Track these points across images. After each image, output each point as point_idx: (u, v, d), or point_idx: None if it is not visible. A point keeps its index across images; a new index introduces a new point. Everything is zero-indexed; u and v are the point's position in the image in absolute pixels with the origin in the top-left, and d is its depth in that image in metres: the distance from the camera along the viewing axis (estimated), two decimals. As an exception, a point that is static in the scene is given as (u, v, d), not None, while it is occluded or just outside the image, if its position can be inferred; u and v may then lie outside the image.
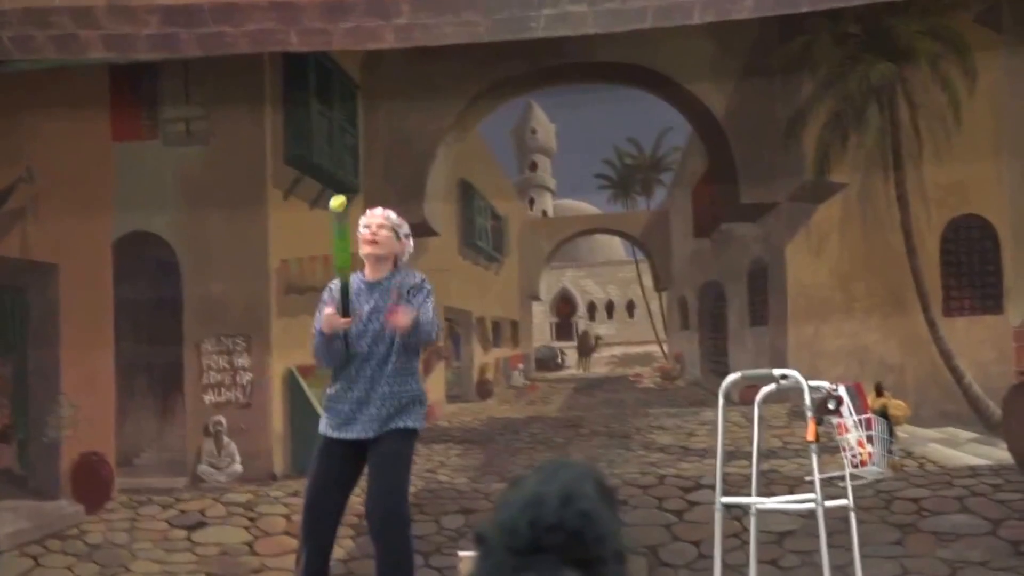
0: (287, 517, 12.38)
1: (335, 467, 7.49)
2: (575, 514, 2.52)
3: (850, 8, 12.45)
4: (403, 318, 7.14)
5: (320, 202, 12.96)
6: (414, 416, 7.48)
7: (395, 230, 7.56)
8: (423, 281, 7.51)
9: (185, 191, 13.28)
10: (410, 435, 7.50)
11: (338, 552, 12.08)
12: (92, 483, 12.94)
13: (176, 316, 13.26)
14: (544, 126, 14.62)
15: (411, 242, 7.70)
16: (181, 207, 13.26)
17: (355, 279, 7.58)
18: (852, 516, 7.90)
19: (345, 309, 7.34)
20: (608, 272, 14.63)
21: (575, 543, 2.51)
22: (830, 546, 7.97)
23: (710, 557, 8.63)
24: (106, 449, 13.02)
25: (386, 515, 7.36)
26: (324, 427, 7.53)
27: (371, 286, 7.48)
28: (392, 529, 7.41)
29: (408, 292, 7.42)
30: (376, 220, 7.50)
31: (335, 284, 7.54)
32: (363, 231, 7.51)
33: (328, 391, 7.57)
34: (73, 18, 10.54)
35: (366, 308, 7.44)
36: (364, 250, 7.48)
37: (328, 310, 7.34)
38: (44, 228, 12.93)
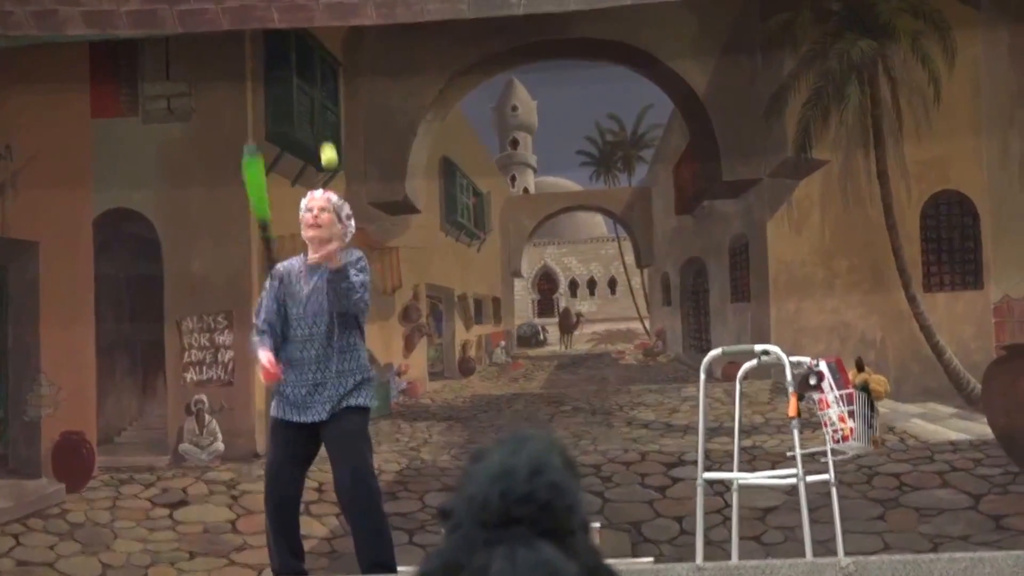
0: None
1: (291, 450, 7.55)
2: (545, 485, 2.52)
3: (831, -15, 12.51)
4: (330, 252, 7.20)
5: (301, 179, 12.95)
6: (365, 393, 7.55)
7: (336, 212, 7.58)
8: (361, 257, 7.56)
9: (166, 168, 13.25)
10: (364, 412, 7.59)
11: (321, 530, 12.16)
12: (73, 462, 12.92)
13: (157, 294, 13.23)
14: (525, 103, 14.61)
15: (352, 223, 7.71)
16: (162, 184, 13.23)
17: (296, 261, 7.63)
18: (834, 491, 7.95)
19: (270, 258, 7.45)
20: (590, 249, 14.64)
21: (545, 514, 2.51)
22: (813, 521, 8.01)
23: (693, 533, 8.66)
24: (87, 428, 12.99)
25: (357, 494, 7.42)
26: (277, 411, 7.58)
27: (312, 268, 7.51)
28: (365, 506, 7.47)
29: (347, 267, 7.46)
30: (318, 203, 7.51)
31: (283, 265, 7.62)
32: (305, 214, 7.52)
33: (280, 374, 7.60)
34: (53, -6, 10.51)
35: (306, 290, 7.49)
36: (307, 233, 7.50)
37: (264, 359, 7.42)
38: (23, 205, 12.90)
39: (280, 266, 7.68)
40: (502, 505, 2.50)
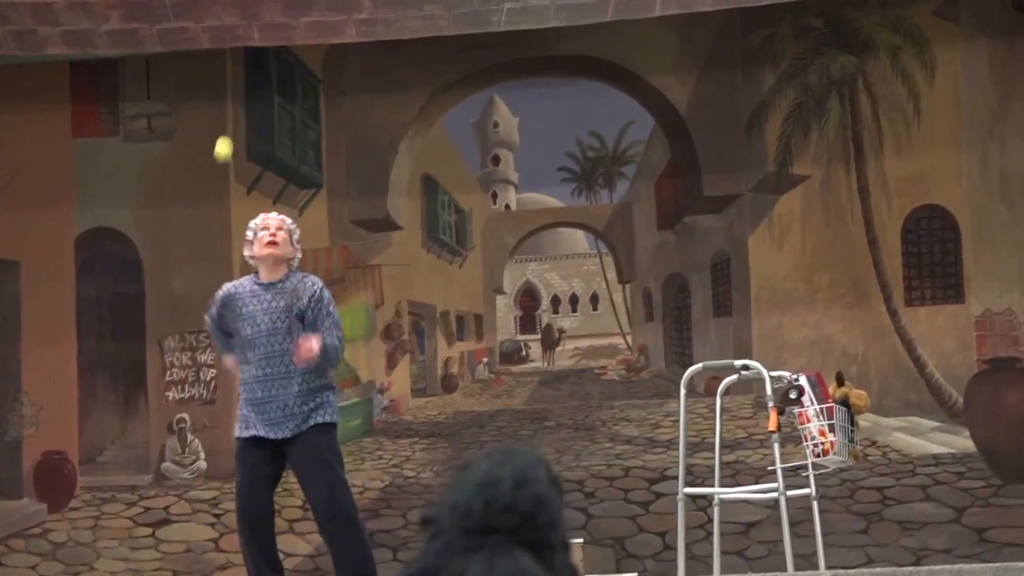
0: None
1: (259, 469, 7.55)
2: (528, 497, 2.55)
3: (811, 1, 12.54)
4: (310, 351, 7.24)
5: (283, 198, 12.96)
6: (330, 410, 7.58)
7: (290, 234, 7.66)
8: (321, 289, 7.62)
9: (147, 187, 13.23)
10: (331, 428, 7.59)
11: (305, 547, 12.14)
12: (55, 482, 12.89)
13: (139, 313, 13.20)
14: (506, 120, 14.59)
15: (300, 248, 7.78)
16: (143, 203, 13.21)
17: (247, 282, 7.65)
18: (815, 505, 7.96)
19: None
20: (572, 265, 14.63)
21: (527, 525, 2.54)
22: (796, 536, 8.02)
23: (676, 548, 8.66)
24: (69, 447, 12.96)
25: (334, 513, 7.44)
26: (242, 430, 7.59)
27: (266, 287, 7.55)
28: (343, 522, 7.47)
29: (309, 301, 7.49)
30: (274, 222, 7.60)
31: (255, 221, 7.71)
32: (261, 233, 7.56)
33: (242, 395, 7.62)
34: (32, 14, 10.50)
35: (260, 309, 7.49)
36: (263, 251, 7.56)
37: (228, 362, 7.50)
38: (5, 224, 12.87)
39: (225, 289, 7.70)
40: (485, 513, 2.54)
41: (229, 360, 7.82)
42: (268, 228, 7.57)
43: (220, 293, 7.71)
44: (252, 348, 7.53)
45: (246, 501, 7.56)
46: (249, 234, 7.67)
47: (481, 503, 2.55)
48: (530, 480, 2.60)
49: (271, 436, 7.45)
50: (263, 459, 7.53)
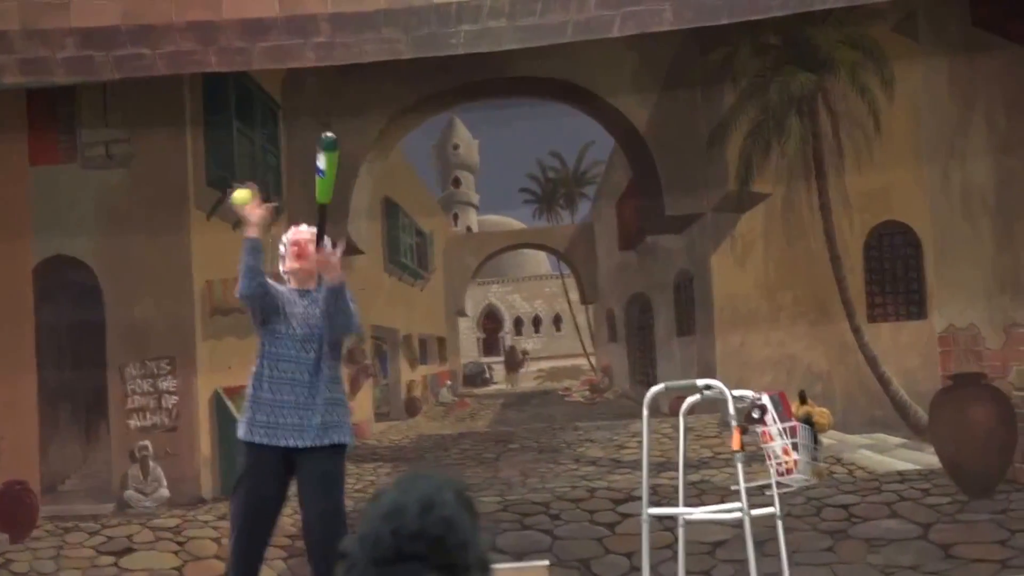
0: (216, 541, 12.28)
1: (270, 483, 7.42)
2: (436, 521, 2.58)
3: (770, 19, 12.53)
4: (333, 258, 7.24)
5: (244, 224, 12.90)
6: (346, 429, 7.51)
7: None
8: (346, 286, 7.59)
9: (106, 214, 13.16)
10: (342, 451, 7.53)
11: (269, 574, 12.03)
12: (17, 512, 12.78)
13: (99, 340, 13.13)
14: (467, 142, 14.61)
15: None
16: (102, 230, 13.14)
17: (284, 288, 7.61)
18: (779, 524, 7.93)
19: (320, 237, 7.37)
20: (534, 287, 14.64)
21: (437, 550, 2.57)
22: (763, 555, 7.99)
23: (642, 569, 8.62)
24: (30, 477, 12.87)
25: (325, 534, 7.34)
26: (251, 433, 7.41)
27: (302, 294, 7.53)
28: (331, 548, 7.35)
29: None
30: (304, 236, 7.58)
31: (287, 235, 7.57)
32: (290, 247, 7.58)
33: (257, 393, 7.47)
34: (-13, 42, 10.43)
35: (297, 312, 7.47)
36: (293, 265, 7.58)
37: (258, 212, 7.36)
38: (-38, 254, 12.79)
39: (270, 282, 7.64)
40: (394, 542, 2.56)
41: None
42: (298, 243, 7.58)
43: (267, 280, 7.57)
44: (282, 345, 7.47)
45: (250, 517, 7.41)
46: (281, 248, 7.68)
47: (389, 532, 2.57)
48: (437, 504, 2.61)
49: (287, 444, 7.35)
50: (274, 472, 7.38)
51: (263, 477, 7.40)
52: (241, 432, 7.45)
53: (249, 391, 7.51)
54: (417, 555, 2.54)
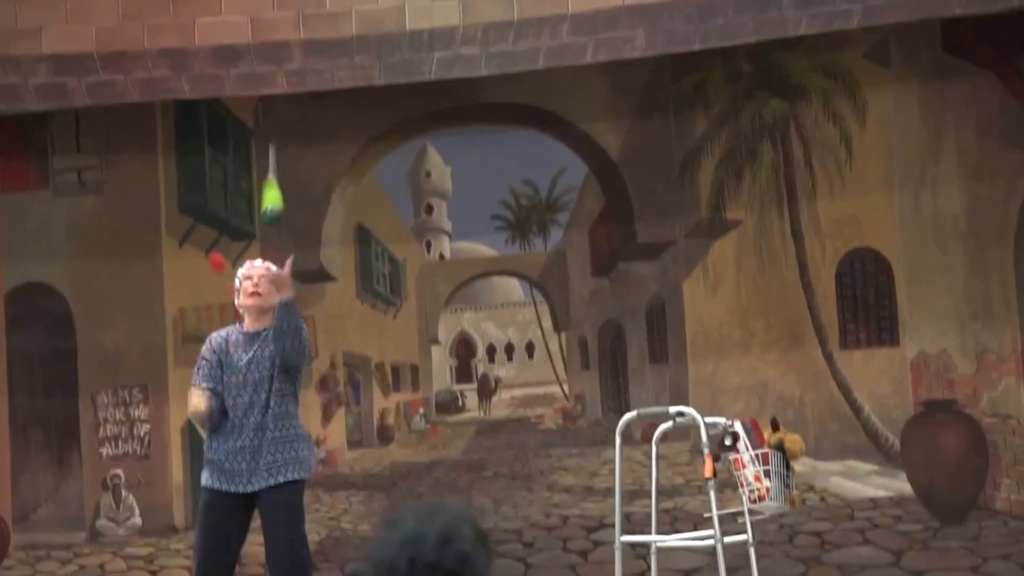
0: (188, 569, 12.21)
1: (225, 522, 7.42)
2: (453, 555, 2.57)
3: (742, 46, 12.56)
4: (284, 279, 7.19)
5: (215, 249, 12.87)
6: (303, 465, 7.47)
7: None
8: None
9: (78, 241, 13.13)
10: (300, 484, 7.50)
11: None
12: (-12, 541, 12.72)
13: (71, 368, 13.08)
14: (439, 169, 14.62)
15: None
16: (74, 257, 13.11)
17: (233, 331, 7.56)
18: (752, 551, 7.92)
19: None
20: (507, 314, 14.63)
21: None
22: (734, 582, 7.97)
23: (614, 597, 8.60)
24: (2, 505, 12.79)
25: (291, 567, 7.33)
26: (209, 480, 7.46)
27: (251, 337, 7.46)
28: (294, 576, 7.38)
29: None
30: (258, 271, 7.48)
31: (242, 270, 7.53)
32: (244, 283, 7.48)
33: (211, 443, 7.51)
34: (-42, 69, 10.39)
35: (245, 358, 7.41)
36: (247, 302, 7.46)
37: (195, 397, 7.37)
38: (-67, 281, 12.74)
39: (215, 335, 7.60)
40: (410, 570, 2.56)
41: (203, 403, 7.60)
42: (251, 278, 7.47)
43: (216, 338, 7.56)
44: (232, 396, 7.44)
45: (205, 556, 7.45)
46: (236, 283, 7.60)
47: (406, 560, 2.56)
48: (455, 537, 2.60)
49: (240, 490, 7.35)
50: (230, 513, 7.41)
51: (221, 517, 7.43)
52: (203, 479, 7.47)
53: (206, 438, 7.54)
54: None
